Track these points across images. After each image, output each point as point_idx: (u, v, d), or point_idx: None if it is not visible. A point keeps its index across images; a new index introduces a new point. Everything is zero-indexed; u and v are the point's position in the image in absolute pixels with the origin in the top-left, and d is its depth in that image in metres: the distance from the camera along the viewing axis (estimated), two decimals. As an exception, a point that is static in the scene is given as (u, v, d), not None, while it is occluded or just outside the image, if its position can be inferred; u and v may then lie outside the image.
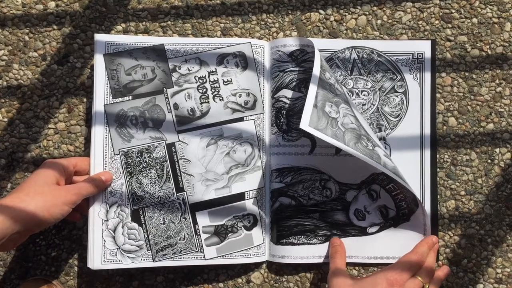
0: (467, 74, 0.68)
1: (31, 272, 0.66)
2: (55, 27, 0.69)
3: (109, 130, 0.65)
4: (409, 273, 0.58)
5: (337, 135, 0.58)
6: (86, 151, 0.67)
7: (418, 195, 0.64)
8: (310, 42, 0.66)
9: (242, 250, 0.65)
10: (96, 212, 0.63)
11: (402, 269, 0.58)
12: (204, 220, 0.65)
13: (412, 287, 0.57)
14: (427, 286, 0.58)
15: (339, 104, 0.61)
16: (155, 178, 0.65)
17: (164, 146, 0.65)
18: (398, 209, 0.65)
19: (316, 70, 0.60)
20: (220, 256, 0.64)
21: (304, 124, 0.56)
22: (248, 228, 0.65)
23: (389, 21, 0.69)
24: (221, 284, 0.66)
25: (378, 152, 0.61)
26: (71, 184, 0.60)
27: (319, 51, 0.64)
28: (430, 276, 0.59)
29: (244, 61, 0.67)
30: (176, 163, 0.65)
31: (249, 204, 0.66)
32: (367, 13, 0.69)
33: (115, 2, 0.69)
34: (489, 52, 0.68)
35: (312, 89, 0.59)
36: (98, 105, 0.65)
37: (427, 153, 0.66)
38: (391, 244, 0.65)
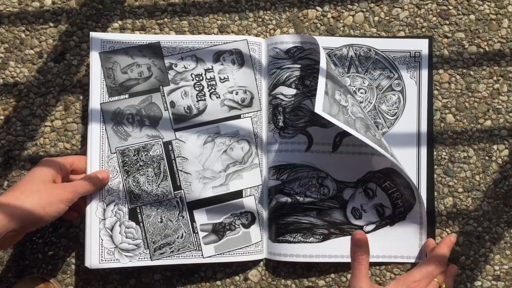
0: (464, 71, 0.68)
1: (28, 270, 0.66)
2: (51, 24, 0.68)
3: (105, 129, 0.64)
4: (430, 279, 0.57)
5: (349, 122, 0.57)
6: (82, 149, 0.67)
7: (415, 192, 0.64)
8: (310, 38, 0.65)
9: (240, 248, 0.65)
10: (93, 211, 0.63)
11: (422, 275, 0.57)
12: (201, 218, 0.65)
13: None
14: (443, 286, 0.58)
15: (346, 94, 0.61)
16: (152, 177, 0.65)
17: (161, 145, 0.65)
18: (394, 207, 0.65)
19: (322, 61, 0.60)
20: (218, 254, 0.64)
21: (318, 108, 0.55)
22: (246, 226, 0.65)
23: (386, 18, 0.69)
24: (218, 282, 0.66)
25: (385, 143, 0.61)
26: (67, 182, 0.60)
27: (316, 48, 0.64)
28: (444, 274, 0.59)
29: (240, 58, 0.66)
30: (173, 161, 0.65)
31: (247, 202, 0.65)
32: (364, 10, 0.69)
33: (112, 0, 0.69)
34: (487, 48, 0.68)
35: (321, 76, 0.58)
36: (94, 104, 0.64)
37: (424, 151, 0.66)
38: (387, 243, 0.65)
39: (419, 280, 0.57)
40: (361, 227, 0.65)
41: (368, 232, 0.65)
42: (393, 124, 0.67)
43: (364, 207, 0.65)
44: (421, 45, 0.67)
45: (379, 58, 0.67)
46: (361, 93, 0.67)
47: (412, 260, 0.65)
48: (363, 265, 0.56)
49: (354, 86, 0.67)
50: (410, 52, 0.67)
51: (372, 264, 0.66)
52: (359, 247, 0.56)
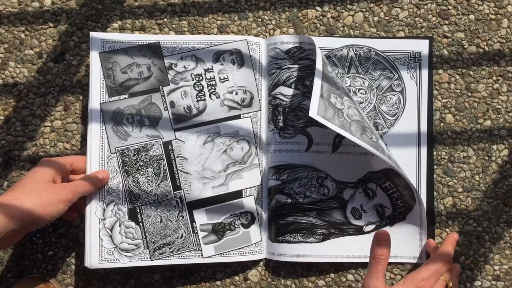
0: (464, 71, 0.68)
1: (27, 270, 0.66)
2: (51, 24, 0.68)
3: (105, 129, 0.64)
4: (438, 276, 0.58)
5: (344, 126, 0.57)
6: (82, 149, 0.67)
7: (414, 193, 0.64)
8: (309, 39, 0.65)
9: (240, 248, 0.65)
10: (93, 211, 0.63)
11: (429, 273, 0.58)
12: (201, 218, 0.65)
13: None
14: (450, 284, 0.59)
15: (342, 96, 0.61)
16: (152, 177, 0.65)
17: (160, 144, 0.65)
18: (394, 208, 0.65)
19: (319, 63, 0.60)
20: (218, 254, 0.64)
21: (313, 112, 0.55)
22: (246, 226, 0.65)
23: (386, 17, 0.69)
24: (218, 282, 0.66)
25: (382, 145, 0.61)
26: (67, 182, 0.60)
27: (316, 48, 0.63)
28: (450, 272, 0.60)
29: (240, 59, 0.66)
30: (173, 161, 0.65)
31: (247, 202, 0.65)
32: (364, 10, 0.69)
33: (111, 0, 0.69)
34: (486, 48, 0.68)
35: (317, 79, 0.58)
36: (94, 104, 0.64)
37: (423, 151, 0.66)
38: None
39: (427, 278, 0.57)
40: (360, 228, 0.65)
41: (368, 232, 0.65)
42: (393, 125, 0.67)
43: (364, 207, 0.65)
44: (422, 46, 0.67)
45: (379, 58, 0.67)
46: (361, 93, 0.67)
47: (413, 261, 0.65)
48: (382, 264, 0.57)
49: (354, 87, 0.67)
50: (410, 53, 0.67)
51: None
52: (381, 245, 0.57)
